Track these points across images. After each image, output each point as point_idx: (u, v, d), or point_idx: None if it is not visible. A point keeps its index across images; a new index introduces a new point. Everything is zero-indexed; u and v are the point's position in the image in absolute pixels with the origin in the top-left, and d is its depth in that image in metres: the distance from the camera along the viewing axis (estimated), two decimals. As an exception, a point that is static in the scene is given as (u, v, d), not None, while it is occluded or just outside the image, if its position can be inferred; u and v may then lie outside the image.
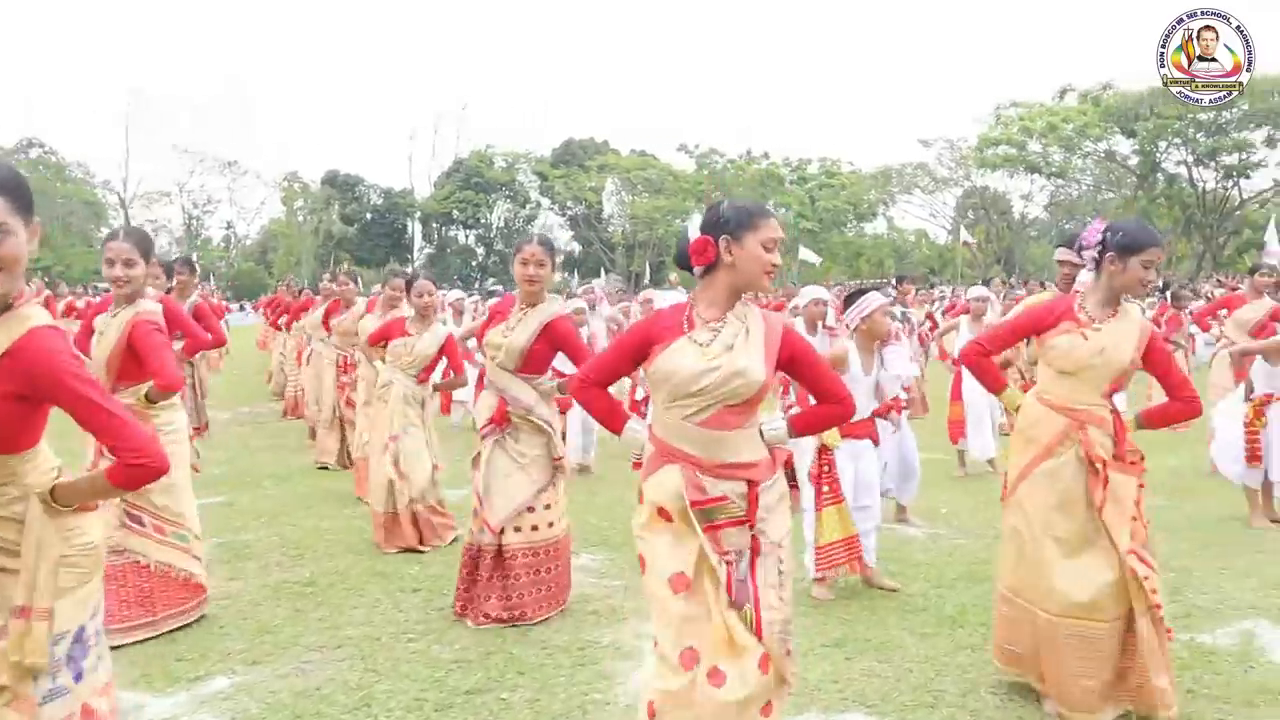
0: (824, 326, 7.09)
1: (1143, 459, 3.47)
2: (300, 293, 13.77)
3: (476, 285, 45.61)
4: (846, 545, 4.55)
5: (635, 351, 2.70)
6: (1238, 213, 35.59)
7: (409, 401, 5.84)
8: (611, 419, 2.88)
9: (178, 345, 5.02)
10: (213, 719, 3.44)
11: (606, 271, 39.59)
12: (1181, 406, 3.47)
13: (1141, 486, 3.42)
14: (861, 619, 4.43)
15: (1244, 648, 4.12)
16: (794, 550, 2.77)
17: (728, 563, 2.52)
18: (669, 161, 51.64)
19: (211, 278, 46.12)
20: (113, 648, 2.50)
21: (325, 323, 8.96)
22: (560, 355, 4.54)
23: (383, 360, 6.21)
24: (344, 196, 56.05)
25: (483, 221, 57.00)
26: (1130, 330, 3.38)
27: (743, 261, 2.57)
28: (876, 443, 6.19)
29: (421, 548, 5.70)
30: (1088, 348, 3.35)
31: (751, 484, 2.56)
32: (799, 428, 2.74)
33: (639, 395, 8.20)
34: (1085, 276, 3.73)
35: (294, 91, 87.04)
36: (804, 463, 4.67)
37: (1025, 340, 3.76)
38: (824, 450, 4.59)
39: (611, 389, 2.94)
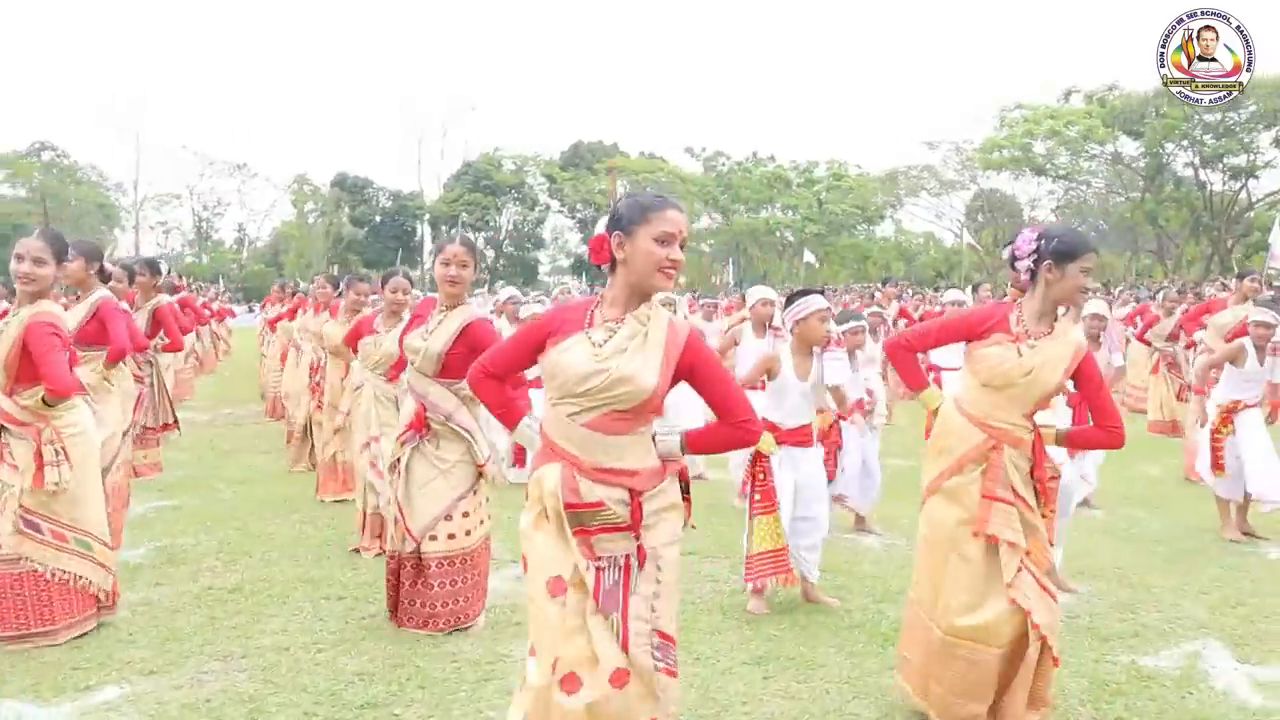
0: (771, 327, 6.92)
1: (1055, 478, 3.33)
2: (293, 294, 13.65)
3: (487, 288, 45.62)
4: (775, 557, 4.37)
5: (535, 344, 2.58)
6: (1248, 215, 35.12)
7: (381, 402, 5.69)
8: (506, 413, 2.78)
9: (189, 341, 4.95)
10: (89, 734, 3.31)
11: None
12: (1104, 435, 3.33)
13: (1048, 516, 3.26)
14: (790, 635, 4.25)
15: (1187, 672, 3.93)
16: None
17: (598, 569, 2.40)
18: (677, 164, 51.46)
19: (221, 280, 46.31)
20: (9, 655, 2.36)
21: (272, 324, 8.83)
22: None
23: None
24: (353, 199, 56.19)
25: (492, 224, 56.96)
26: (1063, 351, 3.21)
27: (635, 258, 2.44)
28: (837, 447, 6.03)
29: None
30: (1017, 366, 3.18)
31: (634, 492, 2.42)
32: (694, 445, 2.57)
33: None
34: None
35: (303, 94, 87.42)
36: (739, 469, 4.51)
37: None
38: (758, 457, 4.41)
39: None
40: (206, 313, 18.47)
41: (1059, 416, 3.52)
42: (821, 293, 4.61)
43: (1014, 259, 3.36)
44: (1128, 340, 12.05)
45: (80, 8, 79.11)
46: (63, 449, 4.01)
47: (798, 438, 4.50)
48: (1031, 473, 3.26)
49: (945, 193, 43.29)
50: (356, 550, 5.58)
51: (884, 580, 5.09)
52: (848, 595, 4.83)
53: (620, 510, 2.42)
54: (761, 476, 4.40)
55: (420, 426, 4.34)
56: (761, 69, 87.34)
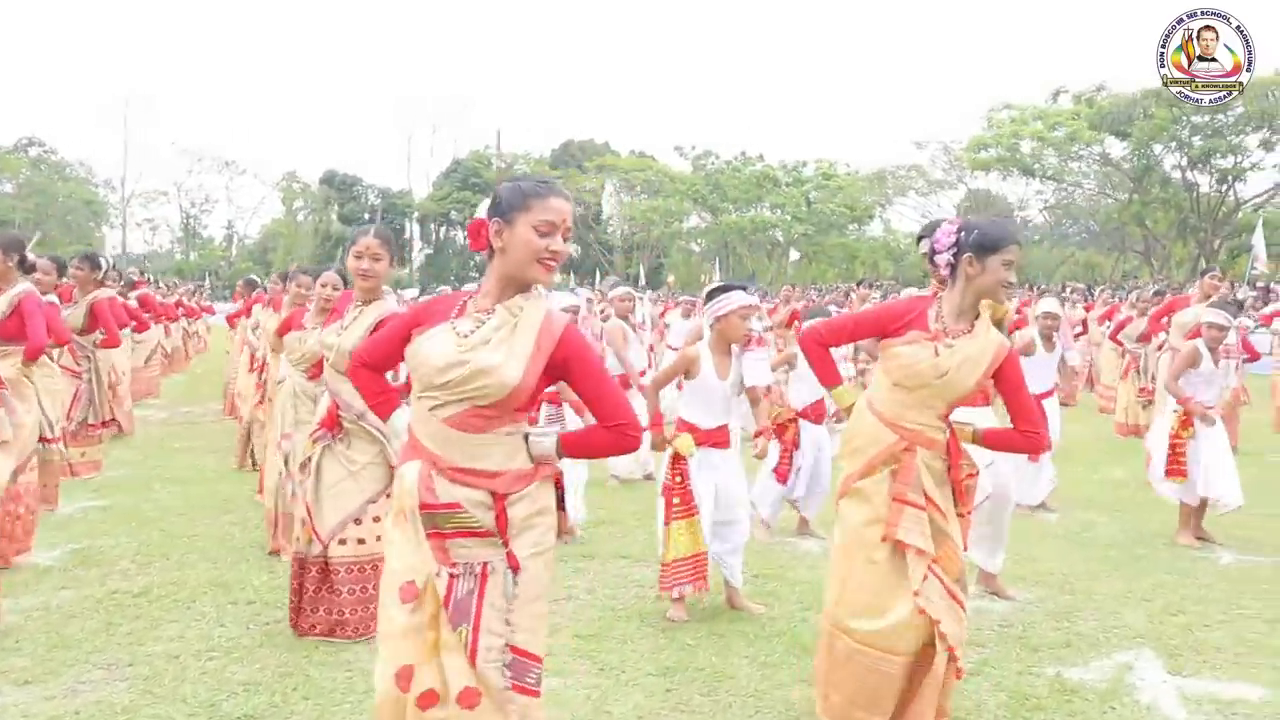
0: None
1: (972, 476, 3.15)
2: (252, 289, 13.40)
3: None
4: (693, 563, 4.18)
5: (404, 335, 2.42)
6: (1235, 216, 35.04)
7: (300, 398, 5.50)
8: (380, 404, 2.67)
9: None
10: (-60, 748, 3.13)
11: (604, 273, 39.31)
12: (1021, 439, 3.13)
13: (964, 515, 3.09)
14: (706, 645, 4.08)
15: (1113, 684, 3.76)
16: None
17: (451, 576, 2.24)
18: (666, 163, 51.27)
19: (208, 277, 46.00)
20: None
21: (231, 320, 8.66)
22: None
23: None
24: (342, 196, 55.95)
25: (481, 222, 56.67)
26: (983, 351, 3.01)
27: (513, 247, 2.27)
28: (794, 447, 5.87)
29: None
30: (932, 366, 2.99)
31: (497, 495, 2.25)
32: (569, 448, 2.37)
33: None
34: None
35: (293, 91, 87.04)
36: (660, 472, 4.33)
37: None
38: (677, 459, 4.23)
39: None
40: (179, 310, 18.28)
41: (980, 414, 3.32)
42: (744, 289, 4.43)
43: (933, 253, 3.18)
44: (1098, 344, 11.90)
45: (70, 3, 78.72)
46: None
47: (717, 439, 4.31)
48: (947, 473, 3.10)
49: (934, 192, 43.14)
50: (275, 552, 5.40)
51: (816, 587, 4.88)
52: (776, 602, 4.65)
53: (480, 514, 2.25)
54: (679, 480, 4.21)
55: (332, 425, 4.18)
56: (751, 68, 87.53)
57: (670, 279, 38.74)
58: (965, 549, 3.18)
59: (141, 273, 14.62)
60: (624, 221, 51.13)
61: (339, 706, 3.45)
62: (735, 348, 4.35)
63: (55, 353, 6.14)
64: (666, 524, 4.25)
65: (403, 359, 2.59)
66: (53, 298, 6.16)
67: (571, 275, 47.11)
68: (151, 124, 68.40)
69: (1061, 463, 7.90)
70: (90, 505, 6.60)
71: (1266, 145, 32.84)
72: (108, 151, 74.64)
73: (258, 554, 5.47)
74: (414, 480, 2.29)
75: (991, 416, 3.10)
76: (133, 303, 11.42)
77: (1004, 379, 3.08)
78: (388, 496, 4.19)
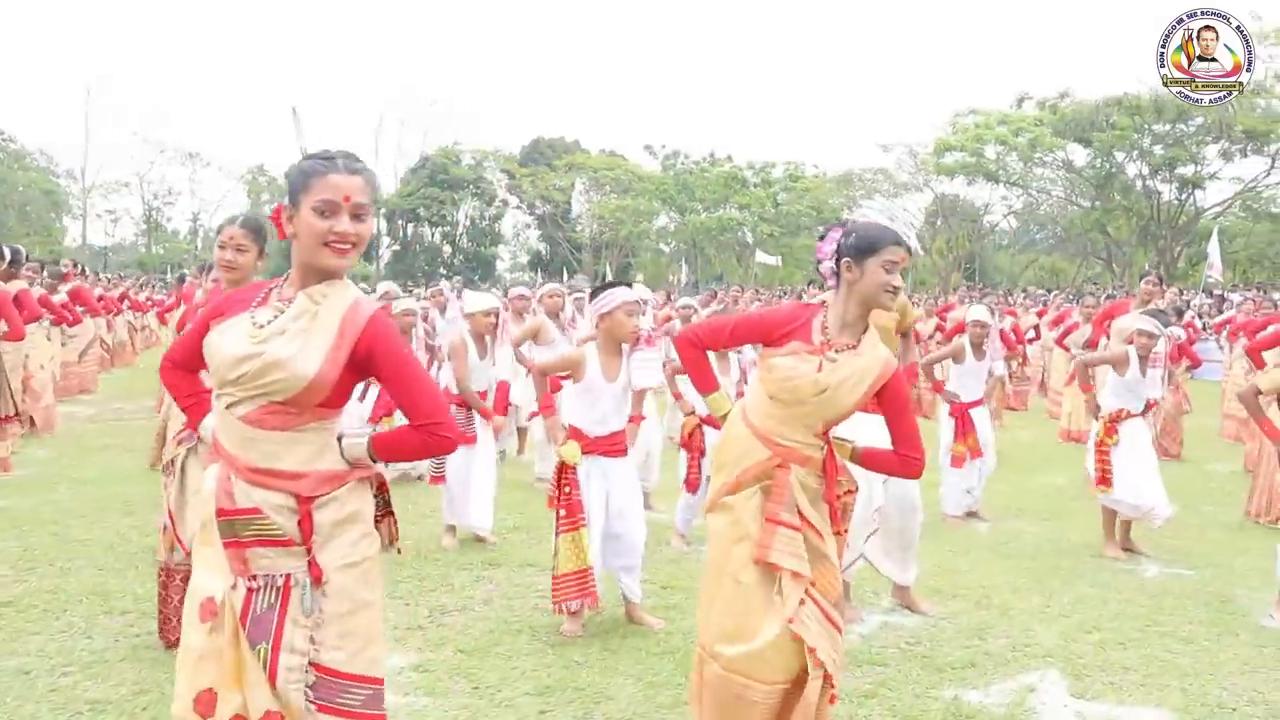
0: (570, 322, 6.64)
1: (851, 492, 2.97)
2: (180, 283, 13.09)
3: (447, 284, 44.96)
4: (579, 579, 3.96)
5: (205, 328, 2.23)
6: (1196, 224, 35.38)
7: None
8: (191, 406, 2.52)
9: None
10: None
11: (572, 272, 39.02)
12: (899, 463, 2.94)
13: (840, 534, 2.91)
14: (593, 662, 3.88)
15: (1013, 709, 3.61)
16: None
17: (250, 590, 2.05)
18: (636, 162, 51.02)
19: (170, 270, 45.17)
20: None
21: (161, 315, 8.37)
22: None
23: None
24: (309, 190, 55.18)
25: (449, 219, 56.26)
26: (867, 369, 2.79)
27: (301, 233, 2.08)
28: (701, 453, 5.68)
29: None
30: (811, 383, 2.76)
31: (301, 499, 2.06)
32: (381, 450, 2.18)
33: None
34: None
35: (258, 83, 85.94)
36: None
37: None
38: (564, 468, 4.02)
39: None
40: (125, 304, 17.85)
41: (862, 429, 3.12)
42: (630, 285, 4.23)
43: (819, 260, 3.00)
44: (1050, 349, 11.84)
45: (33, -11, 77.05)
46: None
47: (607, 446, 4.11)
48: (823, 492, 2.91)
49: (900, 195, 43.17)
50: None
51: (724, 599, 4.73)
52: (677, 615, 4.46)
53: (281, 520, 2.06)
54: (567, 490, 4.00)
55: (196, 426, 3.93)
56: (722, 69, 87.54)
57: (639, 278, 38.56)
58: (843, 569, 3.01)
59: (75, 264, 14.17)
60: (593, 220, 50.77)
61: (186, 730, 3.22)
62: (625, 348, 4.15)
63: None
64: (555, 537, 4.05)
65: None
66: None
67: (541, 272, 46.83)
68: (114, 113, 66.96)
69: (1001, 469, 7.80)
70: (-19, 506, 6.31)
71: (1225, 155, 33.16)
72: (69, 140, 73.16)
73: (149, 560, 5.20)
74: (212, 485, 2.11)
75: (880, 425, 2.89)
76: (63, 296, 11.10)
77: (888, 399, 2.88)
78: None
